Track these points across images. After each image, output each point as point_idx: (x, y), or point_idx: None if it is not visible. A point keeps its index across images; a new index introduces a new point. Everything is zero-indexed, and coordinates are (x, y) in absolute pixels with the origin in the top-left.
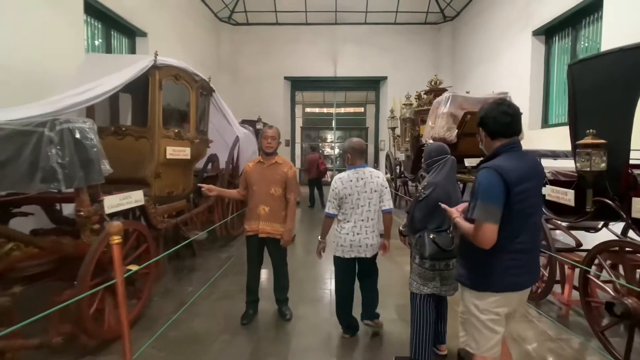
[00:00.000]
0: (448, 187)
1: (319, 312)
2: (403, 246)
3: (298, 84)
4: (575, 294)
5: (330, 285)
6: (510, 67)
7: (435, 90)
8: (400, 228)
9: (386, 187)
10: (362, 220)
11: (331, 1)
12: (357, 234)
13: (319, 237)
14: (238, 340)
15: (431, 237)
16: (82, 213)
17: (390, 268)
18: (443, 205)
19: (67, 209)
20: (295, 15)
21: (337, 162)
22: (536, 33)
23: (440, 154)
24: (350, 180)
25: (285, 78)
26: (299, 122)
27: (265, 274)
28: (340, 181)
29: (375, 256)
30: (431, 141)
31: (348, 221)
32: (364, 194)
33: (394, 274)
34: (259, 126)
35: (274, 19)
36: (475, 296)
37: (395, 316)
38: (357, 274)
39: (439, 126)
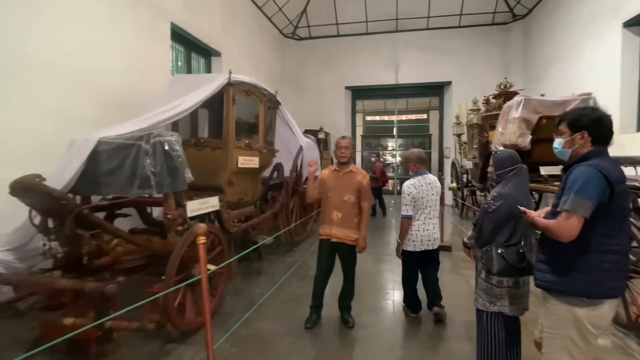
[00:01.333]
0: (521, 199)
1: (382, 322)
2: (468, 258)
3: (359, 93)
4: None
5: (393, 296)
6: (594, 65)
7: (505, 94)
8: (465, 240)
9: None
10: (430, 218)
11: (392, 9)
12: (426, 230)
13: (398, 238)
14: (303, 343)
15: (499, 251)
16: (169, 216)
17: (455, 280)
18: (522, 208)
19: (156, 212)
20: (356, 26)
21: (399, 170)
22: (628, 24)
23: (512, 163)
24: (421, 185)
25: (347, 88)
26: (359, 131)
27: (330, 282)
28: (413, 186)
29: (438, 248)
30: (501, 148)
31: (417, 219)
32: (431, 196)
33: (459, 287)
34: (320, 135)
35: (335, 31)
36: (581, 310)
37: (462, 332)
38: (423, 266)
39: (510, 132)
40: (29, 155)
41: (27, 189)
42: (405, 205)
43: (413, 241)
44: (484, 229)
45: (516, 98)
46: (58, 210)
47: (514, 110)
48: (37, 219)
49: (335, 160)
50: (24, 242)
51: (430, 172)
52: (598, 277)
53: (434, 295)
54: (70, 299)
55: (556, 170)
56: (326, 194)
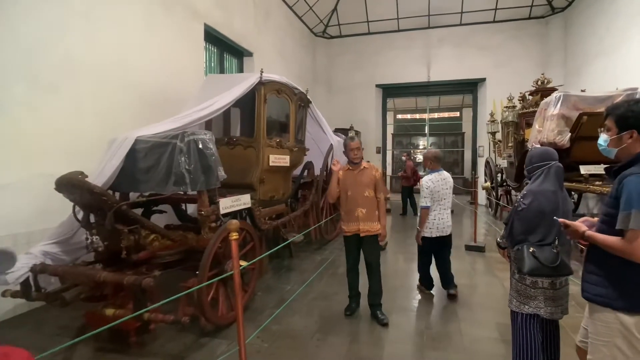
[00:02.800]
0: (553, 197)
1: (412, 322)
2: (503, 259)
3: (390, 91)
4: None
5: (425, 296)
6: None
7: (543, 90)
8: (498, 240)
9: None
10: (445, 209)
11: (424, 5)
12: (442, 219)
13: (418, 226)
14: (332, 340)
15: (531, 250)
16: (202, 212)
17: (490, 282)
18: (562, 220)
19: (190, 209)
20: (388, 23)
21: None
22: None
23: (542, 159)
24: (437, 180)
25: (377, 86)
26: (390, 129)
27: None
28: (431, 181)
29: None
30: (538, 146)
31: (434, 210)
32: (445, 190)
33: (494, 289)
34: (351, 134)
35: (366, 29)
36: (630, 319)
37: (496, 335)
38: (437, 250)
39: (548, 129)
40: (71, 153)
41: (70, 186)
42: (424, 197)
43: (430, 229)
44: (515, 228)
45: (555, 94)
46: (99, 206)
47: (552, 107)
48: (80, 214)
49: (348, 161)
50: (68, 236)
51: (463, 171)
52: None
53: (447, 277)
54: (111, 291)
55: (598, 169)
56: (346, 193)
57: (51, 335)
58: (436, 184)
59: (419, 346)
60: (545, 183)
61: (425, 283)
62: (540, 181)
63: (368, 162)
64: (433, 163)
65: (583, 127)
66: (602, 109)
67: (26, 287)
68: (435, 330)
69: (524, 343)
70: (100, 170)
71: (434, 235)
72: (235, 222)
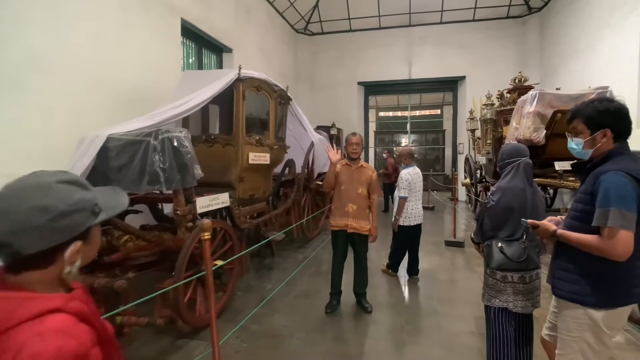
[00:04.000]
0: (522, 194)
1: (392, 317)
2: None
3: (372, 89)
4: None
5: (405, 291)
6: (612, 58)
7: (520, 89)
8: (472, 236)
9: None
10: (418, 199)
11: (405, 3)
12: (417, 208)
13: (395, 215)
14: (314, 338)
15: (499, 246)
16: (178, 212)
17: (469, 277)
18: (530, 221)
19: (167, 209)
20: (369, 20)
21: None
22: None
23: (511, 156)
24: (414, 174)
25: (359, 83)
26: (372, 127)
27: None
28: (409, 174)
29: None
30: (514, 142)
31: (410, 200)
32: (419, 183)
33: (472, 283)
34: (332, 132)
35: (347, 26)
36: (598, 314)
37: (474, 329)
38: (412, 238)
39: (524, 126)
40: (40, 153)
41: None
42: (403, 188)
43: (409, 218)
44: (485, 224)
45: (531, 92)
46: None
47: (528, 105)
48: None
49: (346, 156)
50: None
51: (444, 168)
52: (627, 285)
53: (416, 263)
54: None
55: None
56: (339, 187)
57: None
58: (413, 177)
59: (399, 342)
60: (515, 180)
61: (395, 267)
62: (509, 178)
63: (367, 162)
64: (408, 159)
65: (557, 124)
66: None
67: None
68: (415, 325)
69: (497, 336)
70: (70, 170)
71: (412, 224)
72: (207, 222)
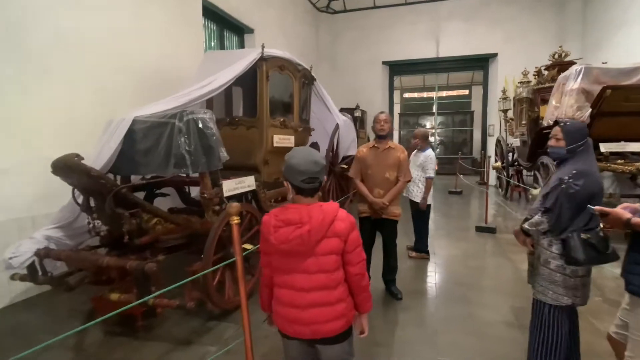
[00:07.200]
0: (599, 178)
1: (421, 305)
2: (517, 242)
3: (397, 69)
4: None
5: (435, 278)
6: None
7: (560, 64)
8: (526, 227)
9: None
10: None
11: None
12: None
13: (424, 195)
14: None
15: (584, 237)
16: (205, 195)
17: (503, 264)
18: (598, 208)
19: (193, 192)
20: None
21: (438, 149)
22: None
23: (584, 136)
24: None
25: (384, 63)
26: (396, 109)
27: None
28: (432, 155)
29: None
30: (566, 120)
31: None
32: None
33: (508, 271)
34: (357, 114)
35: (371, 2)
36: None
37: (508, 319)
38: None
39: (566, 105)
40: (68, 135)
41: (66, 168)
42: (433, 169)
43: (424, 198)
44: (564, 214)
45: (575, 67)
46: (97, 189)
47: (572, 81)
48: (80, 198)
49: (372, 136)
50: (70, 220)
51: (472, 151)
52: None
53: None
54: (116, 275)
55: (620, 147)
56: (366, 172)
57: (61, 318)
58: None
59: (431, 330)
60: (590, 162)
61: (426, 249)
62: (584, 160)
63: (395, 142)
64: (423, 142)
65: (606, 101)
66: (627, 82)
67: (33, 271)
68: (446, 313)
69: (551, 335)
70: (98, 153)
71: (429, 202)
72: (236, 205)
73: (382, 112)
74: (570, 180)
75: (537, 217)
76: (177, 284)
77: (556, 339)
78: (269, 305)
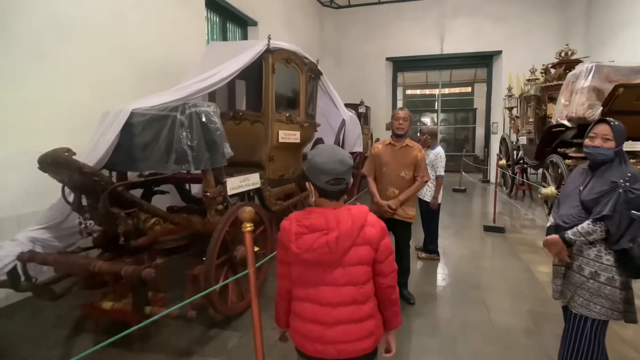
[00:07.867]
0: None
1: (436, 310)
2: (526, 242)
3: (401, 65)
4: None
5: (446, 280)
6: None
7: (567, 62)
8: (570, 236)
9: None
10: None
11: None
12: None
13: (435, 194)
14: None
15: None
16: (208, 193)
17: (516, 265)
18: None
19: (194, 189)
20: None
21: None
22: None
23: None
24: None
25: (387, 59)
26: (399, 105)
27: None
28: (442, 153)
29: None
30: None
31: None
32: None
33: (521, 273)
34: (361, 110)
35: None
36: None
37: (530, 326)
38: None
39: (576, 103)
40: (62, 128)
41: (56, 164)
42: (443, 167)
43: (434, 197)
44: (623, 221)
45: (585, 65)
46: (91, 187)
47: (582, 79)
48: (71, 197)
49: (376, 134)
50: (59, 220)
51: (474, 148)
52: None
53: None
54: (109, 279)
55: (633, 146)
56: (380, 170)
57: (47, 327)
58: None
59: (450, 338)
60: (631, 164)
61: (436, 250)
62: (626, 162)
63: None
64: (432, 139)
65: (617, 100)
66: (639, 81)
67: (14, 276)
68: (464, 319)
69: (590, 349)
70: (92, 147)
71: (439, 201)
72: (249, 210)
73: (402, 109)
74: (627, 184)
75: (586, 225)
76: (178, 305)
77: (594, 352)
78: (285, 322)
